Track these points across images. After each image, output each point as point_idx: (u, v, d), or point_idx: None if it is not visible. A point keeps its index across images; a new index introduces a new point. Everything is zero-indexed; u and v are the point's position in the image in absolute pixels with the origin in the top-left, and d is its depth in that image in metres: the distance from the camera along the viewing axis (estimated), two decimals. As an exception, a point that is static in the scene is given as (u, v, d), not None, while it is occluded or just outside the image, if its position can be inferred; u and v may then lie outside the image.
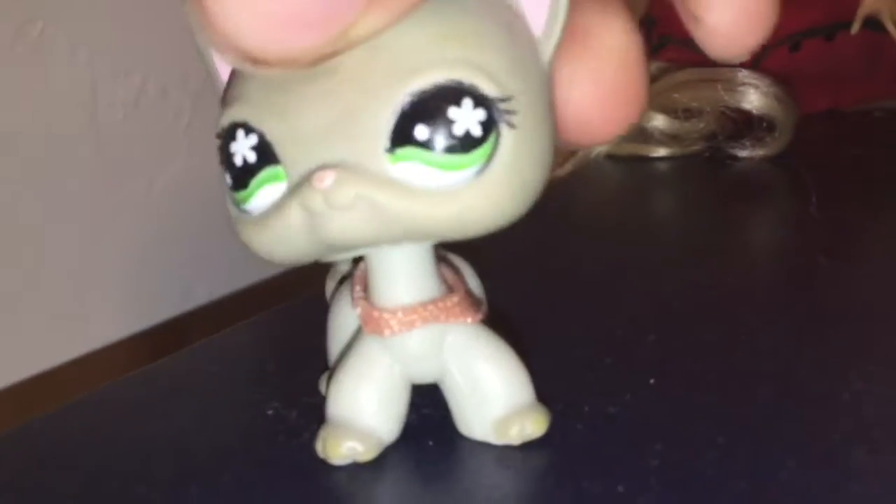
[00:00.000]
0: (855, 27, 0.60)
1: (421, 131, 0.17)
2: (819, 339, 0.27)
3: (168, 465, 0.22)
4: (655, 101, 0.53)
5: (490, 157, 0.18)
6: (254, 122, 0.18)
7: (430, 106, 0.17)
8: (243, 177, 0.19)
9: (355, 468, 0.21)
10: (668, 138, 0.53)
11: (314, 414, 0.23)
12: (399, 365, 0.21)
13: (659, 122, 0.53)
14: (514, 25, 0.19)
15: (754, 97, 0.50)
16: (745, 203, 0.46)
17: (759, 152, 0.51)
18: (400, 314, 0.20)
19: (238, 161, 0.19)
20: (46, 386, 0.48)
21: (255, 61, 0.16)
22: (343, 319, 0.23)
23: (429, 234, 0.19)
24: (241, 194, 0.19)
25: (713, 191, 0.49)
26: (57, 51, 0.48)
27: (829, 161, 0.51)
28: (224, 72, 0.21)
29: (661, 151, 0.54)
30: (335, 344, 0.24)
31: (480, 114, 0.17)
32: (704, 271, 0.34)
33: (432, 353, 0.21)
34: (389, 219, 0.18)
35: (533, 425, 0.21)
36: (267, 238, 0.19)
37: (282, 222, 0.18)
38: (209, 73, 0.21)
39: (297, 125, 0.18)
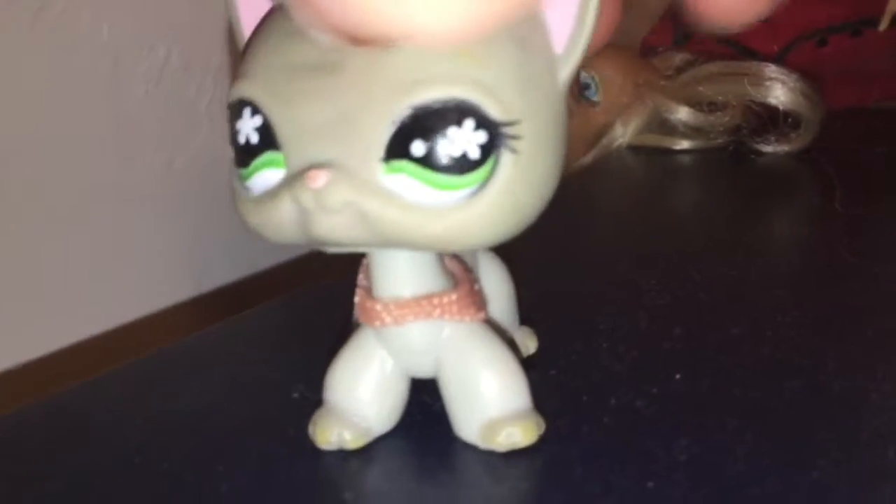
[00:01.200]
0: (883, 24, 0.59)
1: (417, 147, 0.17)
2: (845, 336, 0.27)
3: (193, 444, 0.22)
4: (680, 94, 0.53)
5: (486, 181, 0.17)
6: (261, 104, 0.18)
7: (430, 122, 0.17)
8: (245, 156, 0.18)
9: (380, 454, 0.21)
10: (692, 131, 0.53)
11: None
12: (394, 357, 0.21)
13: (683, 114, 0.52)
14: (531, 40, 0.18)
15: (780, 92, 0.50)
16: (770, 198, 0.46)
17: (784, 147, 0.51)
18: (392, 307, 0.20)
19: (241, 140, 0.18)
20: (67, 363, 0.48)
21: (357, 39, 0.15)
22: None
23: (414, 246, 0.19)
24: (243, 172, 0.19)
25: (737, 185, 0.49)
26: (79, 26, 0.48)
27: (854, 158, 0.50)
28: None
29: (685, 144, 0.53)
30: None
31: (481, 136, 0.17)
32: (728, 265, 0.33)
33: (426, 348, 0.21)
34: (375, 228, 0.17)
35: (522, 433, 0.21)
36: (260, 219, 0.18)
37: (274, 210, 0.18)
38: (238, 38, 0.21)
39: (299, 116, 0.18)
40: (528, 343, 0.26)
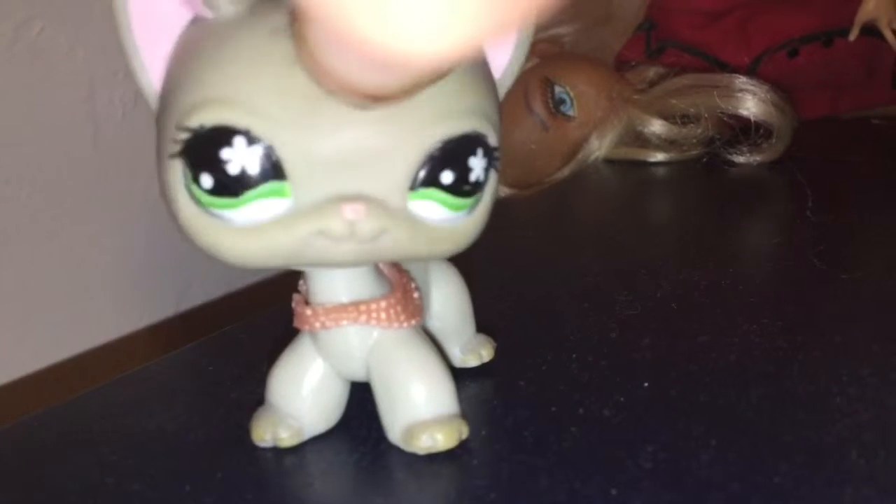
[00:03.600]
0: (853, 34, 0.60)
1: (447, 176, 0.18)
2: (812, 342, 0.27)
3: (163, 462, 0.22)
4: (654, 107, 0.53)
5: (480, 198, 0.19)
6: (260, 133, 0.17)
7: (456, 153, 0.18)
8: (235, 186, 0.17)
9: (354, 472, 0.21)
10: (666, 143, 0.53)
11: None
12: (327, 361, 0.22)
13: (657, 127, 0.53)
14: (487, 70, 0.20)
15: (752, 103, 0.50)
16: (742, 208, 0.46)
17: (757, 158, 0.51)
18: (321, 312, 0.21)
19: (233, 170, 0.17)
20: (43, 383, 0.48)
21: (376, 98, 0.15)
22: None
23: (416, 259, 0.20)
24: (225, 201, 0.18)
25: (710, 196, 0.50)
26: (55, 50, 0.48)
27: (825, 167, 0.51)
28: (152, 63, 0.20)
29: (659, 156, 0.54)
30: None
31: (485, 161, 0.19)
32: (700, 274, 0.34)
33: (356, 353, 0.22)
34: (386, 250, 0.19)
35: (444, 437, 0.21)
36: (255, 247, 0.18)
37: (284, 238, 0.18)
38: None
39: (320, 148, 0.17)
40: (483, 351, 0.26)
